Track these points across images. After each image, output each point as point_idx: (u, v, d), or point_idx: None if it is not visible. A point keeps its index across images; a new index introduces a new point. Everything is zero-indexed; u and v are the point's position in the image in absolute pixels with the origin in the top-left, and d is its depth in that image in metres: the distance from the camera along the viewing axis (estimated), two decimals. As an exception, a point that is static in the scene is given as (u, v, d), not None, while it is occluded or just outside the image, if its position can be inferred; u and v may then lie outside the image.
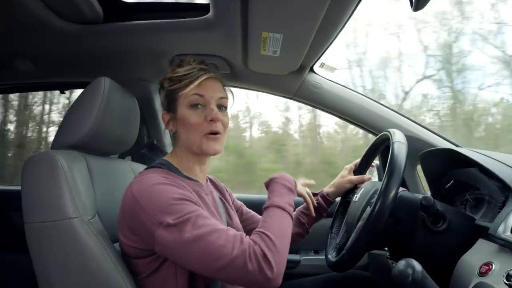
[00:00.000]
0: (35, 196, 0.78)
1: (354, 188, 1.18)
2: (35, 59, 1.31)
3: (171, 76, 0.90)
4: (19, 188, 0.82)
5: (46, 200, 0.78)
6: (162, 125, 1.51)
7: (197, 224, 0.70)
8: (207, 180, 0.99)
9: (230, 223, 0.97)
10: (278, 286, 0.76)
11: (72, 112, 0.93)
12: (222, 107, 0.91)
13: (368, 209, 0.92)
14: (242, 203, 1.16)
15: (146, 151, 1.49)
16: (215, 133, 0.86)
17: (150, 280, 0.80)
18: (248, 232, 1.10)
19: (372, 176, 1.36)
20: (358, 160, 1.22)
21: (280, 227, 0.78)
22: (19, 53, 1.28)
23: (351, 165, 1.23)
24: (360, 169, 1.21)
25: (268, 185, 0.92)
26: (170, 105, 0.90)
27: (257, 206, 1.26)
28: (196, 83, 0.85)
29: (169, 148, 1.54)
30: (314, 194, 1.20)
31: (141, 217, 0.73)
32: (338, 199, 1.23)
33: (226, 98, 0.92)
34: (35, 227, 0.77)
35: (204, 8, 1.06)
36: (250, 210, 1.17)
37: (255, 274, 0.68)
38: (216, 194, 0.99)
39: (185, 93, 0.85)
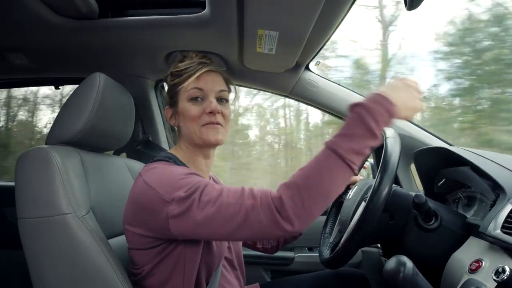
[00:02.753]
0: (28, 191, 0.78)
1: (346, 188, 1.19)
2: (29, 54, 1.30)
3: (172, 71, 0.91)
4: (11, 184, 0.81)
5: (40, 195, 0.77)
6: (157, 121, 1.52)
7: (206, 191, 0.70)
8: (210, 178, 0.99)
9: None
10: (273, 281, 0.77)
11: (66, 107, 0.92)
12: (223, 100, 0.90)
13: (363, 204, 0.93)
14: None
15: (142, 147, 1.49)
16: (214, 123, 0.86)
17: (156, 271, 0.79)
18: None
19: (367, 176, 1.37)
20: None
21: (321, 174, 0.64)
22: (13, 48, 1.27)
23: None
24: None
25: (350, 111, 0.71)
26: (172, 99, 0.91)
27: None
28: (195, 76, 0.86)
29: (164, 145, 1.54)
30: None
31: (154, 200, 0.73)
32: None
33: (227, 91, 0.92)
34: (29, 222, 0.77)
35: (200, 5, 1.06)
36: None
37: (271, 228, 0.64)
38: None
39: (185, 87, 0.87)
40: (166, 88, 0.95)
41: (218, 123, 0.87)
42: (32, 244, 0.77)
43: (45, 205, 0.77)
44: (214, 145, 0.88)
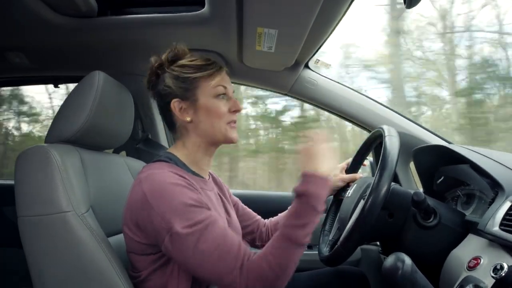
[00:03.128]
0: (28, 190, 0.78)
1: (346, 186, 1.19)
2: (29, 53, 1.30)
3: (188, 64, 0.87)
4: (11, 182, 0.82)
5: (40, 194, 0.78)
6: (157, 120, 1.52)
7: (205, 237, 0.71)
8: (209, 176, 0.99)
9: (228, 220, 0.98)
10: None
11: (66, 106, 0.92)
12: None
13: (362, 202, 0.93)
14: (238, 199, 1.17)
15: (141, 145, 1.49)
16: (235, 122, 0.91)
17: (153, 278, 0.80)
18: (242, 228, 1.12)
19: (366, 174, 1.37)
20: (350, 159, 1.23)
21: (286, 262, 0.72)
22: (12, 47, 1.27)
23: (343, 164, 1.23)
24: (352, 167, 1.22)
25: (296, 196, 0.78)
26: (188, 92, 0.87)
27: (255, 203, 1.27)
28: (223, 73, 0.90)
29: (164, 143, 1.54)
30: None
31: (151, 217, 0.73)
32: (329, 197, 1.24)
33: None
34: (29, 221, 0.77)
35: (199, 3, 1.06)
36: (246, 207, 1.18)
37: None
38: (216, 190, 1.00)
39: (213, 83, 0.87)
40: (171, 79, 0.88)
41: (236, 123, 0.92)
42: (32, 242, 0.77)
43: (45, 203, 0.77)
44: (234, 143, 0.92)
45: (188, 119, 0.87)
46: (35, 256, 0.78)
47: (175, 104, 0.87)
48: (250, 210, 1.18)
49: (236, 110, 0.90)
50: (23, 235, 0.78)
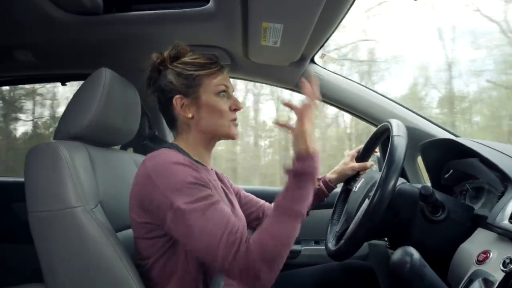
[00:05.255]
0: (38, 185, 0.79)
1: (356, 175, 1.19)
2: (35, 51, 1.30)
3: (190, 61, 0.90)
4: (21, 179, 0.83)
5: (49, 189, 0.79)
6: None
7: (205, 216, 0.72)
8: (211, 168, 1.00)
9: (232, 210, 0.98)
10: (279, 274, 0.78)
11: (73, 103, 0.93)
12: None
13: (367, 201, 0.93)
14: (240, 188, 1.17)
15: (148, 142, 1.50)
16: (236, 120, 0.94)
17: (160, 264, 0.80)
18: (247, 216, 1.12)
19: (375, 164, 1.36)
20: (361, 147, 1.22)
21: (287, 235, 0.73)
22: (19, 45, 1.27)
23: (353, 152, 1.23)
24: (363, 156, 1.21)
25: (291, 173, 0.78)
26: (190, 89, 0.89)
27: (258, 197, 1.27)
28: (225, 72, 0.92)
29: (170, 139, 1.54)
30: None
31: (154, 195, 0.75)
32: (340, 185, 1.24)
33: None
34: (39, 216, 0.78)
35: (204, -2, 1.05)
36: (249, 194, 1.19)
37: (242, 280, 0.71)
38: (218, 183, 1.01)
39: (215, 82, 0.90)
40: (173, 75, 0.90)
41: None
42: (42, 237, 0.79)
43: (55, 199, 0.78)
44: (234, 139, 0.94)
45: (190, 115, 0.89)
46: (46, 251, 0.79)
47: (177, 100, 0.89)
48: (253, 196, 1.19)
49: (236, 108, 0.93)
50: (33, 230, 0.79)
